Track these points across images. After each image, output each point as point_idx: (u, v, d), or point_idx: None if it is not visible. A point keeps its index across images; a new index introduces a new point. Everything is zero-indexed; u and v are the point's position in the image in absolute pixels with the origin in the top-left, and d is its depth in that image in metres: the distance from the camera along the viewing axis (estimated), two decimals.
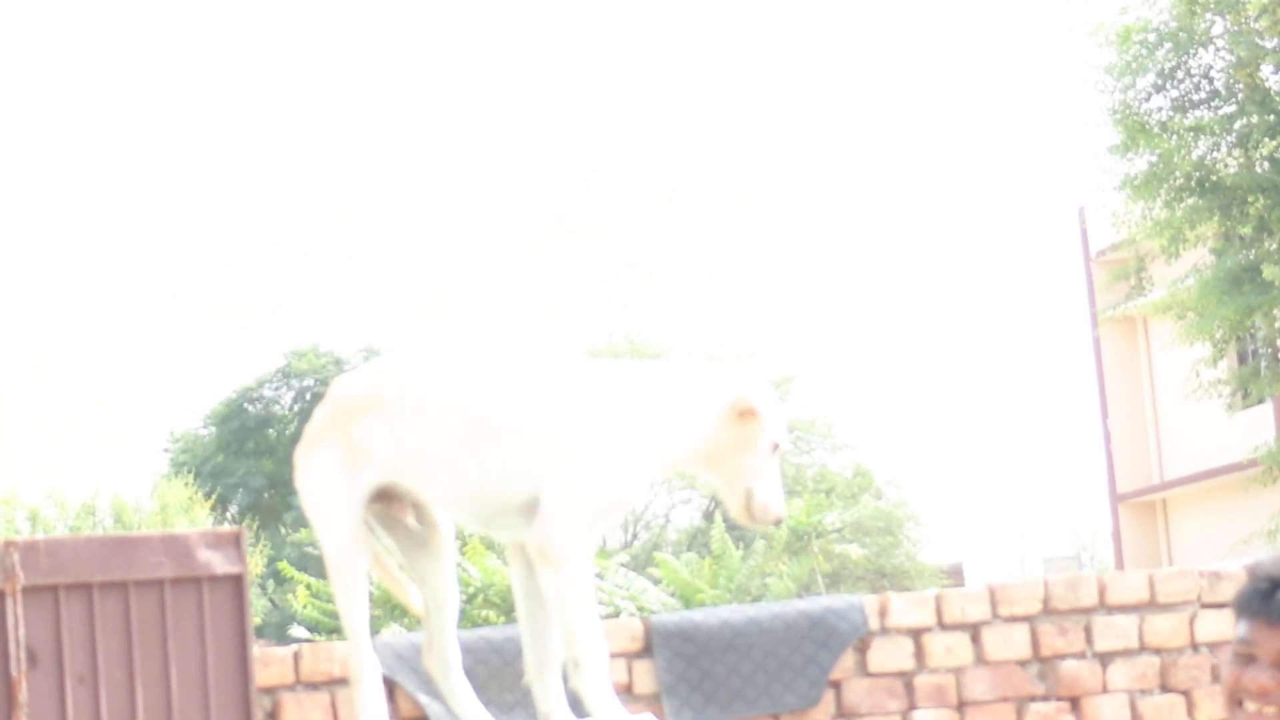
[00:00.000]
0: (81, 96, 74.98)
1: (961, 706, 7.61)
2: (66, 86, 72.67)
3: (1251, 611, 3.44)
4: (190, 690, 6.67)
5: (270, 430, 42.73)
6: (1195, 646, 7.75)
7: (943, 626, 7.64)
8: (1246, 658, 3.43)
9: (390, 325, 69.89)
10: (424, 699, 7.14)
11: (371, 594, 18.31)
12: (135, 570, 6.65)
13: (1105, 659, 7.72)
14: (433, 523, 6.69)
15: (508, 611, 18.17)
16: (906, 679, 7.61)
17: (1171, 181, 21.73)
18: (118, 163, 77.80)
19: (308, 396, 42.11)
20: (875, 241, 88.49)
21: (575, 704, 6.54)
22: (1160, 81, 21.94)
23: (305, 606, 19.71)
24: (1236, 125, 21.57)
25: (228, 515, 41.02)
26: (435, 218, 75.82)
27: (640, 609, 18.55)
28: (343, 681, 7.06)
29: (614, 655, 7.22)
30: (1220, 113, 21.77)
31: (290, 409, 42.91)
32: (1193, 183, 21.66)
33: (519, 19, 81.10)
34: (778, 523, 6.50)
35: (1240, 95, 21.85)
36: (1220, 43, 21.95)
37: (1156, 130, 21.66)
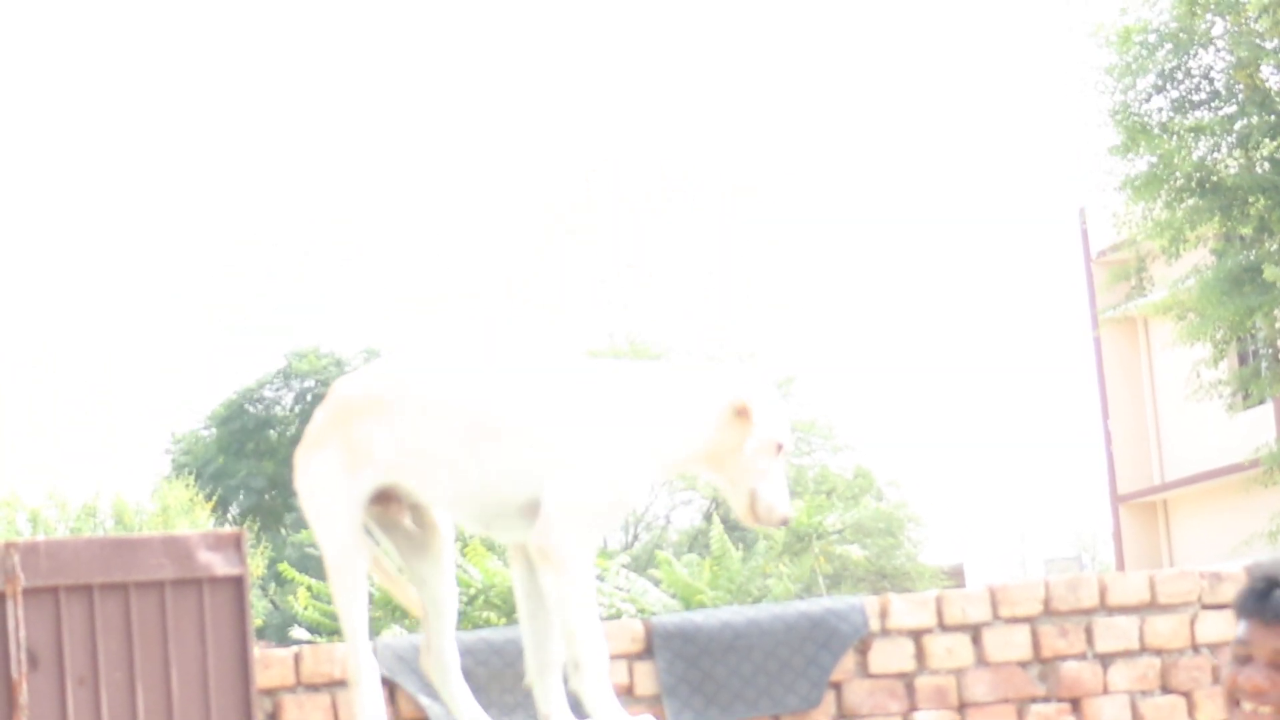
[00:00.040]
0: (81, 96, 75.02)
1: (962, 708, 7.61)
2: (66, 86, 72.71)
3: (1248, 612, 3.47)
4: (191, 692, 6.67)
5: (271, 431, 42.73)
6: (1196, 648, 7.75)
7: (943, 628, 7.64)
8: (1244, 658, 3.47)
9: (390, 325, 69.90)
10: (425, 701, 7.14)
11: (372, 595, 18.34)
12: (136, 572, 6.65)
13: (1106, 660, 7.72)
14: (432, 525, 6.69)
15: (508, 613, 18.17)
16: (907, 680, 7.61)
17: (1172, 182, 21.72)
18: (118, 163, 77.85)
19: (308, 398, 42.11)
20: (875, 241, 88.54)
21: (576, 705, 6.54)
22: (1160, 82, 21.94)
23: (306, 608, 19.71)
24: (1237, 126, 21.57)
25: (229, 517, 41.02)
26: (435, 218, 75.85)
27: (641, 610, 18.55)
28: (344, 683, 7.05)
29: (615, 657, 7.22)
30: (1221, 113, 21.77)
31: (291, 410, 42.91)
32: (1193, 183, 21.66)
33: (519, 19, 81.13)
34: (784, 523, 6.49)
35: (1240, 96, 21.85)
36: (1221, 43, 21.95)
37: (1157, 131, 21.66)
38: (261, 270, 74.31)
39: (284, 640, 23.97)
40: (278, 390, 43.44)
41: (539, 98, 79.25)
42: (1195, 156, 21.65)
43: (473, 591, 18.45)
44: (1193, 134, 21.64)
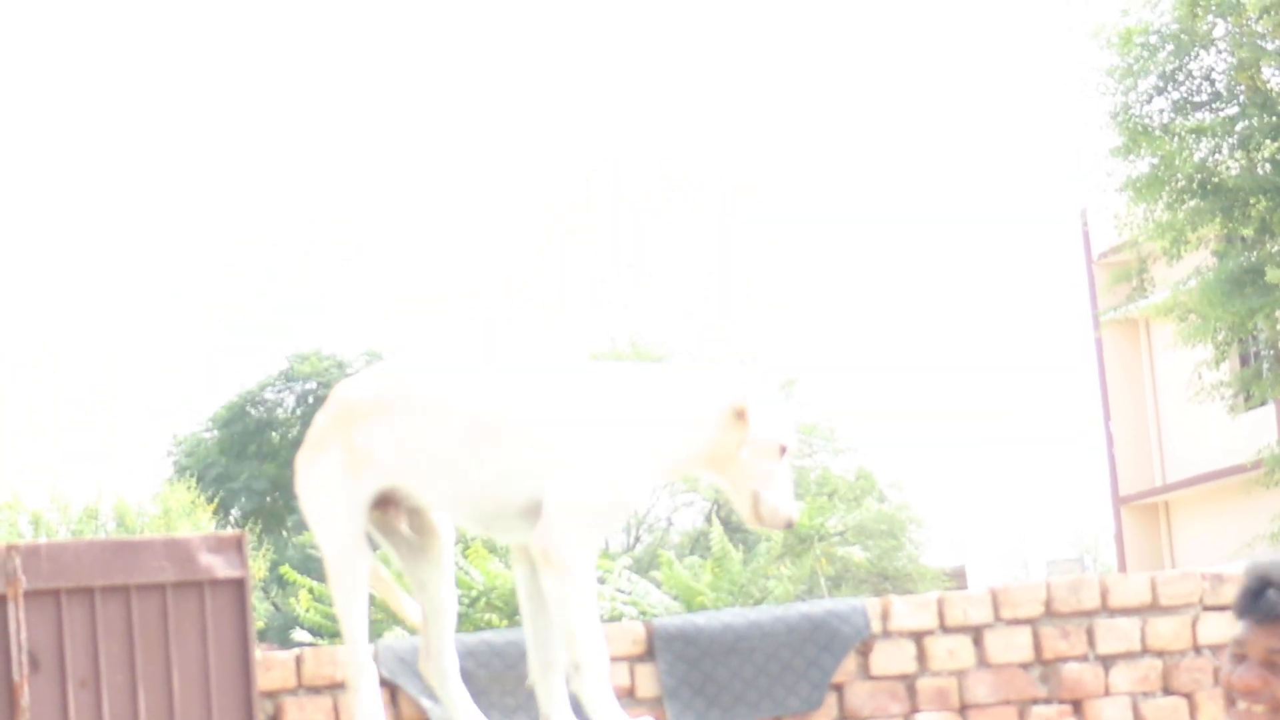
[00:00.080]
0: (81, 96, 75.03)
1: (964, 709, 7.61)
2: (66, 86, 72.72)
3: (1242, 611, 3.51)
4: (192, 694, 6.67)
5: (273, 434, 42.72)
6: (1197, 649, 7.75)
7: (945, 629, 7.64)
8: (1239, 657, 3.50)
9: (390, 325, 69.93)
10: (427, 703, 7.14)
11: (373, 598, 18.33)
12: (137, 574, 6.65)
13: (1107, 661, 7.71)
14: (431, 529, 6.70)
15: (510, 615, 18.17)
16: (909, 682, 7.60)
17: (1173, 184, 21.72)
18: (118, 163, 77.85)
19: (310, 400, 42.09)
20: (876, 242, 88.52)
21: (578, 707, 6.54)
22: (1162, 84, 21.94)
23: (308, 610, 19.72)
24: (1238, 127, 21.56)
25: (230, 519, 41.01)
26: (435, 218, 75.84)
27: (643, 612, 18.55)
28: (345, 686, 7.05)
29: (616, 659, 7.23)
30: (1222, 115, 21.76)
31: (292, 412, 42.90)
32: (1194, 185, 21.66)
33: (519, 19, 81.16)
34: (789, 525, 6.48)
35: (1242, 97, 21.85)
36: (1222, 45, 21.94)
37: (1158, 132, 21.65)
38: (261, 270, 74.34)
39: (285, 642, 23.98)
40: (279, 392, 43.43)
41: (539, 98, 79.28)
42: (1196, 158, 21.65)
43: (474, 594, 18.46)
44: (1194, 135, 21.64)
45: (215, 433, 42.97)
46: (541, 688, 6.61)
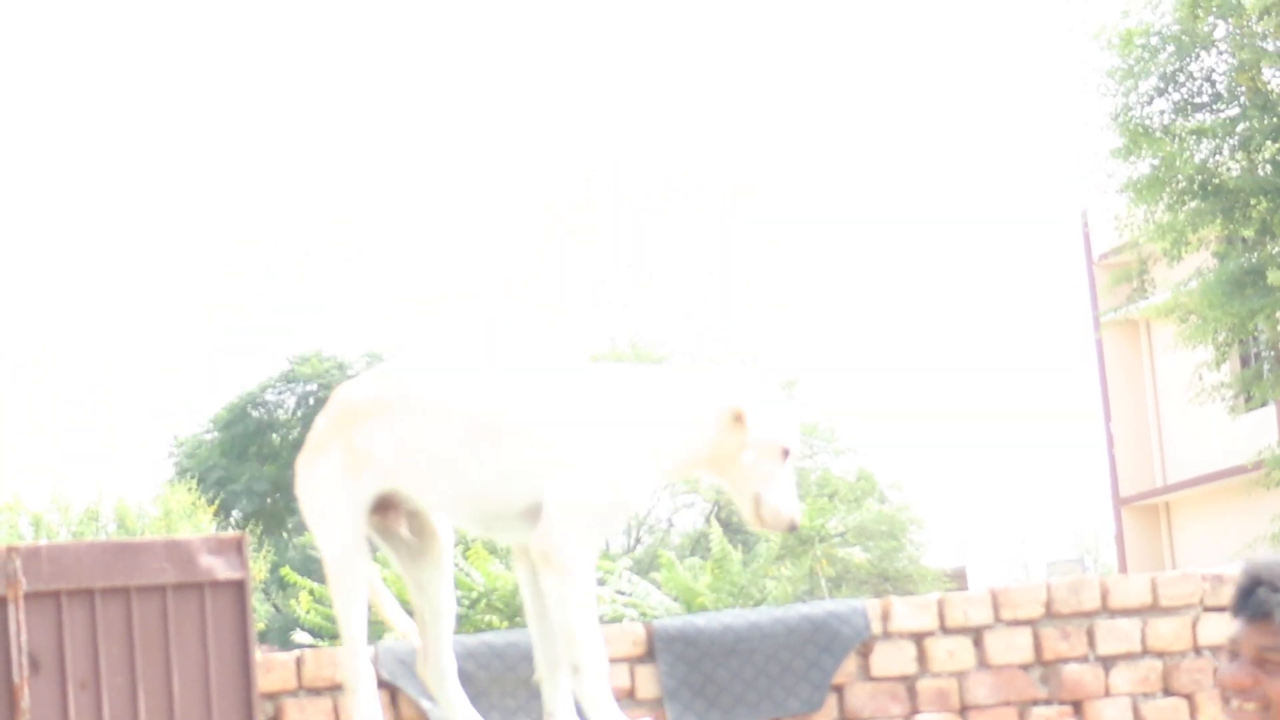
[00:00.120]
0: (81, 96, 75.04)
1: (964, 710, 7.61)
2: (66, 86, 72.73)
3: (1235, 609, 3.54)
4: (192, 696, 6.67)
5: (273, 435, 42.74)
6: (1198, 650, 7.75)
7: (945, 630, 7.64)
8: (1233, 655, 3.52)
9: (390, 325, 69.96)
10: (427, 705, 7.14)
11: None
12: (137, 576, 6.65)
13: (1108, 662, 7.71)
14: (431, 532, 6.70)
15: (510, 616, 18.17)
16: (909, 683, 7.60)
17: (1174, 185, 21.72)
18: (118, 163, 77.86)
19: (311, 401, 42.11)
20: (876, 242, 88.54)
21: (578, 707, 6.54)
22: (1162, 85, 21.94)
23: (308, 612, 19.72)
24: (1239, 128, 21.56)
25: (231, 521, 41.02)
26: (435, 218, 75.84)
27: (643, 614, 18.55)
28: (343, 687, 7.06)
29: (617, 660, 7.23)
30: (1222, 116, 21.76)
31: (293, 414, 42.91)
32: (1195, 186, 21.66)
33: (519, 19, 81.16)
34: (792, 528, 6.48)
35: (1242, 98, 21.85)
36: (1222, 46, 21.94)
37: (1159, 134, 21.65)
38: (261, 270, 74.34)
39: (286, 644, 23.98)
40: (280, 394, 43.45)
41: (539, 98, 79.28)
42: (1197, 159, 21.65)
43: (475, 595, 18.46)
44: (1194, 137, 21.64)
45: (216, 434, 42.99)
46: (548, 686, 6.61)
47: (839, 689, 7.56)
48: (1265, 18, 21.09)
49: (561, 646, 6.42)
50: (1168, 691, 7.74)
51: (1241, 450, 28.25)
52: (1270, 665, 3.45)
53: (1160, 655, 7.75)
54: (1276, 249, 21.50)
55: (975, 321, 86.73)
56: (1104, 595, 7.75)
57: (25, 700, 6.48)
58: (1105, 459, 35.40)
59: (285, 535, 40.38)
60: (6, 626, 6.51)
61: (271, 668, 7.19)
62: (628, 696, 7.30)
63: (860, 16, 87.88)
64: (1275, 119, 21.33)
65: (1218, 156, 21.89)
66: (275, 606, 35.95)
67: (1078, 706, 7.67)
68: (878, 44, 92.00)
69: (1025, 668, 7.67)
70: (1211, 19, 21.71)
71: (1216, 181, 21.59)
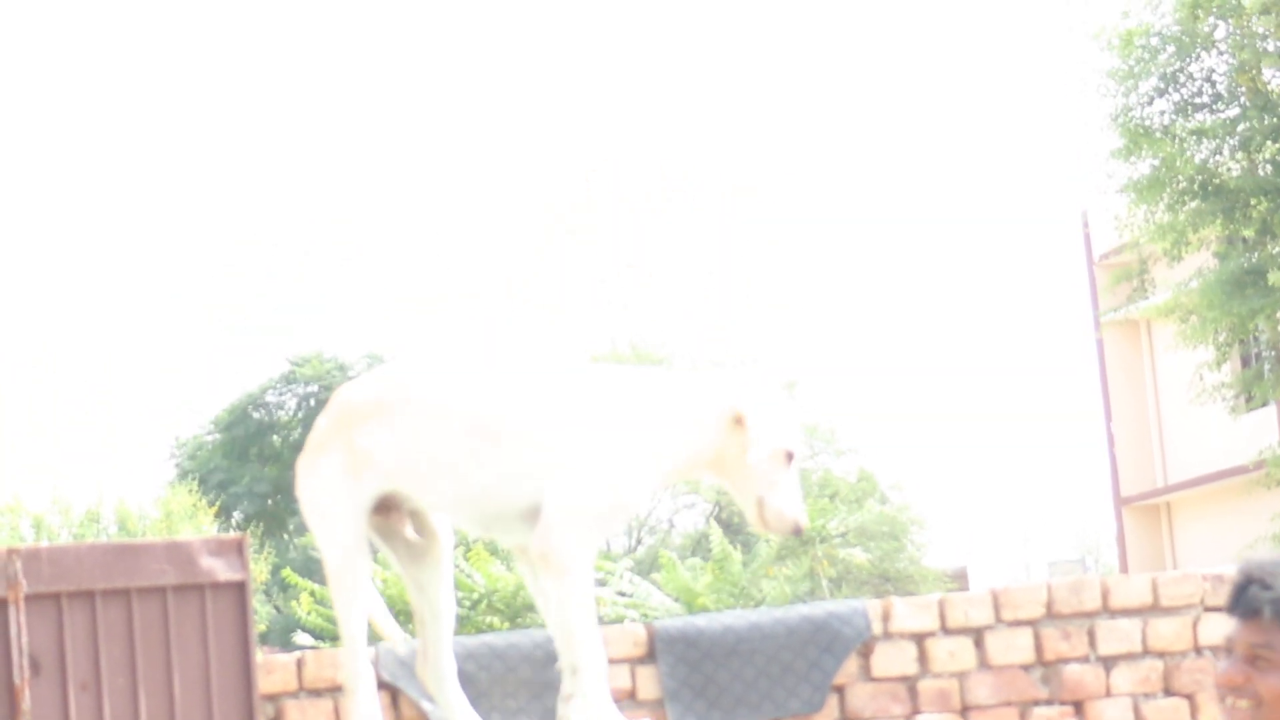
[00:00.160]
0: (81, 96, 75.05)
1: (965, 711, 7.61)
2: (66, 86, 72.73)
3: (1229, 607, 3.58)
4: (193, 697, 6.67)
5: (274, 437, 42.75)
6: (1199, 650, 7.75)
7: (946, 631, 7.64)
8: (1228, 653, 3.57)
9: (390, 325, 69.97)
10: (428, 706, 7.14)
11: None
12: (138, 577, 6.65)
13: (1109, 663, 7.71)
14: (431, 533, 6.70)
15: (511, 618, 18.19)
16: (910, 684, 7.60)
17: (1174, 185, 21.72)
18: (118, 162, 77.86)
19: (311, 403, 42.12)
20: (876, 242, 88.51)
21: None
22: (1162, 85, 21.94)
23: (309, 613, 19.72)
24: (1239, 129, 21.56)
25: (232, 522, 41.02)
26: (435, 218, 75.83)
27: (644, 615, 18.55)
28: (343, 688, 7.06)
29: (618, 661, 7.23)
30: (1222, 116, 21.76)
31: (294, 415, 42.92)
32: (1195, 186, 21.66)
33: (519, 19, 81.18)
34: (797, 531, 6.46)
35: (1242, 99, 21.85)
36: (1222, 46, 21.95)
37: (1159, 134, 21.66)
38: (261, 270, 74.34)
39: (287, 645, 23.96)
40: (281, 395, 43.45)
41: (539, 98, 79.29)
42: (1197, 159, 21.65)
43: (475, 596, 18.46)
44: (1195, 137, 21.64)
45: (217, 436, 42.99)
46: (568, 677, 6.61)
47: (840, 689, 7.56)
48: (1264, 16, 21.09)
49: (561, 647, 6.42)
50: (1169, 692, 7.74)
51: (1242, 450, 28.25)
52: (1262, 662, 3.48)
53: (1161, 655, 7.75)
54: (1277, 249, 21.51)
55: (976, 322, 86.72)
56: (1105, 595, 7.75)
57: (26, 702, 6.48)
58: (1106, 459, 35.40)
59: (286, 537, 40.39)
60: (7, 628, 6.51)
61: (272, 669, 7.19)
62: (629, 697, 7.31)
63: (860, 16, 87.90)
64: (1275, 119, 21.34)
65: (1218, 157, 21.90)
66: (276, 608, 35.95)
67: (1079, 707, 7.67)
68: (878, 44, 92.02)
69: (1026, 668, 7.67)
70: (1211, 19, 21.71)
71: (1217, 182, 21.59)
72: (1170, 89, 21.98)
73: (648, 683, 7.45)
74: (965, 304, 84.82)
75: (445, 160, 76.40)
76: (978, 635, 7.66)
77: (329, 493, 6.54)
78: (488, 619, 18.27)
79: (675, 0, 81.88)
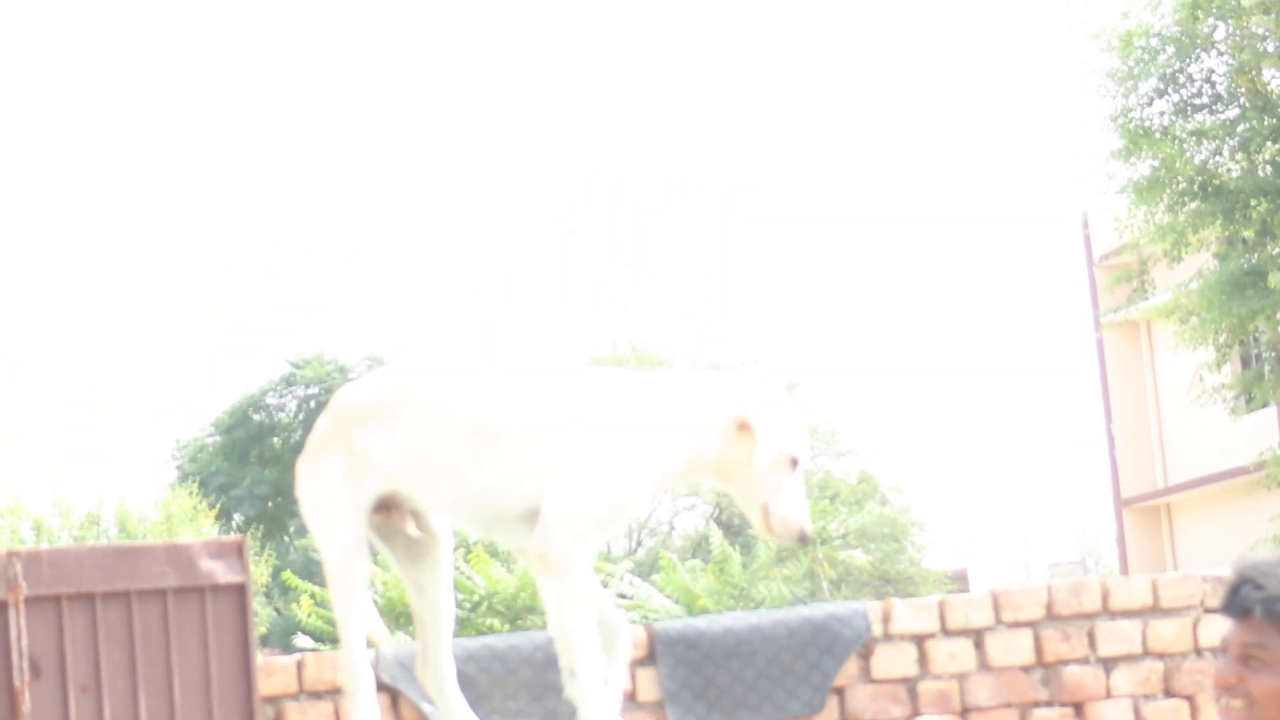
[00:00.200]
0: (81, 96, 75.05)
1: (965, 712, 7.61)
2: (66, 86, 72.75)
3: (1222, 608, 3.61)
4: (193, 700, 6.67)
5: (275, 439, 42.76)
6: (1199, 651, 7.75)
7: (946, 632, 7.64)
8: (1223, 653, 3.59)
9: (390, 325, 70.01)
10: (428, 708, 7.14)
11: (376, 603, 18.38)
12: (138, 580, 6.65)
13: (1109, 664, 7.71)
14: (431, 533, 6.70)
15: (512, 619, 18.19)
16: (910, 685, 7.60)
17: (1174, 186, 21.73)
18: (118, 162, 77.86)
19: (312, 404, 42.13)
20: (876, 243, 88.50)
21: (572, 714, 6.54)
22: (1162, 86, 21.95)
23: (309, 615, 19.72)
24: (1239, 129, 21.57)
25: (233, 525, 41.03)
26: (435, 218, 75.83)
27: (644, 616, 18.55)
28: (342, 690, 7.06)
29: None
30: (1222, 117, 21.77)
31: (295, 417, 42.93)
32: (1195, 187, 21.67)
33: (519, 19, 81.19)
34: (803, 538, 6.41)
35: (1242, 100, 21.86)
36: (1222, 47, 21.95)
37: (1159, 135, 21.66)
38: (261, 270, 74.35)
39: (287, 648, 23.97)
40: (281, 397, 43.47)
41: (539, 98, 79.30)
42: (1197, 160, 21.66)
43: (476, 598, 18.46)
44: (1194, 138, 21.65)
45: (217, 438, 43.01)
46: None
47: (840, 691, 7.56)
48: (1264, 17, 21.09)
49: (559, 649, 6.41)
50: (1169, 693, 7.73)
51: (1242, 451, 28.25)
52: (1254, 662, 3.51)
53: (1161, 657, 7.75)
54: (1277, 250, 21.51)
55: (976, 323, 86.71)
56: (1105, 597, 7.75)
57: (26, 704, 6.48)
58: (1106, 460, 35.40)
59: (287, 539, 40.40)
60: (7, 631, 6.51)
61: (272, 671, 7.19)
62: (629, 699, 7.30)
63: (860, 16, 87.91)
64: (1275, 120, 21.34)
65: (1218, 158, 21.90)
66: (277, 610, 35.95)
67: (1079, 708, 7.67)
68: (878, 44, 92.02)
69: (1026, 669, 7.67)
70: (1211, 20, 21.72)
71: (1217, 183, 21.60)
72: (1170, 90, 21.99)
73: (648, 685, 7.45)
74: (965, 304, 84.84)
75: (445, 160, 76.43)
76: (978, 637, 7.66)
77: (329, 494, 6.54)
78: (488, 621, 18.27)
79: (675, 0, 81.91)
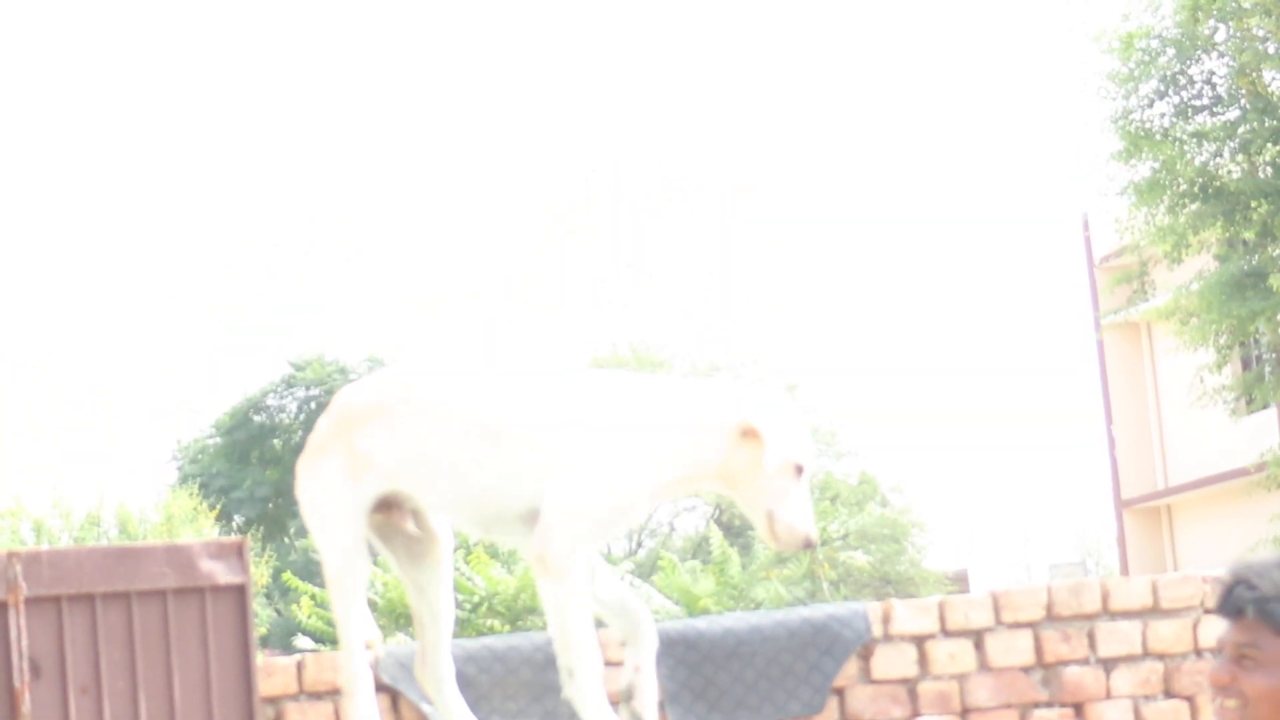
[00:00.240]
0: (81, 96, 75.06)
1: (965, 713, 7.61)
2: (66, 86, 72.76)
3: (1217, 608, 3.64)
4: (193, 700, 6.67)
5: (275, 440, 42.75)
6: (1199, 652, 7.75)
7: (946, 633, 7.64)
8: (1218, 653, 3.61)
9: (390, 325, 70.02)
10: (428, 709, 7.15)
11: (376, 604, 18.37)
12: (138, 581, 6.65)
13: (1109, 665, 7.71)
14: (431, 534, 6.70)
15: (512, 620, 18.18)
16: (910, 686, 7.61)
17: (1174, 187, 21.73)
18: (118, 162, 77.86)
19: (312, 405, 42.13)
20: (876, 243, 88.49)
21: (572, 715, 6.54)
22: (1163, 88, 21.95)
23: (309, 616, 19.73)
24: (1239, 131, 21.57)
25: (233, 526, 41.02)
26: (435, 218, 75.83)
27: None
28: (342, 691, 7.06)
29: (617, 664, 7.22)
30: (1223, 119, 21.78)
31: (295, 418, 42.93)
32: (1196, 189, 21.67)
33: (519, 20, 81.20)
34: (808, 546, 6.36)
35: (1243, 101, 21.86)
36: (1223, 49, 21.95)
37: (1159, 137, 21.66)
38: (261, 270, 74.36)
39: (287, 648, 23.97)
40: (281, 398, 43.47)
41: (539, 98, 79.30)
42: (1198, 162, 21.66)
43: (476, 599, 18.46)
44: (1195, 139, 21.65)
45: (218, 439, 43.01)
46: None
47: (840, 692, 7.56)
48: (1264, 19, 21.09)
49: (557, 649, 6.41)
50: (1169, 694, 7.74)
51: (1243, 453, 28.25)
52: (1248, 661, 3.53)
53: (1161, 657, 7.75)
54: (1277, 252, 21.51)
55: (976, 324, 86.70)
56: (1105, 597, 7.75)
57: (26, 705, 6.48)
58: (1107, 461, 35.40)
59: (287, 540, 40.39)
60: (7, 631, 6.52)
61: (272, 672, 7.19)
62: (628, 699, 7.29)
63: (860, 16, 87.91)
64: (1276, 122, 21.35)
65: (1218, 159, 21.91)
66: (277, 611, 35.94)
67: (1079, 709, 7.67)
68: (878, 44, 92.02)
69: (1026, 670, 7.67)
70: (1212, 22, 21.72)
71: (1217, 184, 21.60)
72: (1170, 91, 21.99)
73: None
74: (965, 305, 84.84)
75: (445, 160, 76.43)
76: (978, 637, 7.66)
77: (329, 495, 6.54)
78: (488, 622, 18.27)
79: (675, 0, 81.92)
